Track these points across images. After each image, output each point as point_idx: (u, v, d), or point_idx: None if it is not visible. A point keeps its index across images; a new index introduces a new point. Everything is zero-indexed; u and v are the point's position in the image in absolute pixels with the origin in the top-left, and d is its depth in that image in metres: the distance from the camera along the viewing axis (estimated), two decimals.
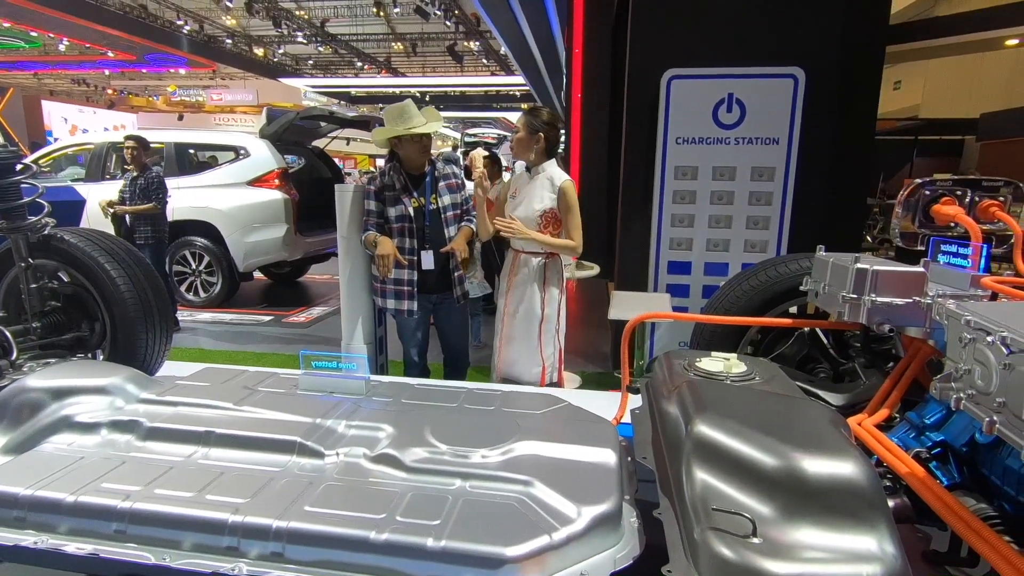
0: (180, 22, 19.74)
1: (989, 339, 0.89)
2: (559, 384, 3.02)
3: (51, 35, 19.28)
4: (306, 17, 20.86)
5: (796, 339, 2.03)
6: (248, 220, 6.08)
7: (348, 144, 6.93)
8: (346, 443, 1.38)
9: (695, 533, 0.98)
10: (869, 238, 10.68)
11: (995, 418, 0.89)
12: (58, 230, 2.46)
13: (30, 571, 1.62)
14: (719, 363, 1.56)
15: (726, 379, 1.49)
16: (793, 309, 2.23)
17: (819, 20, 4.08)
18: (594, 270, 4.54)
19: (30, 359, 2.28)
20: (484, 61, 24.10)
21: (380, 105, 29.78)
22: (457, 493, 1.23)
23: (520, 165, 3.04)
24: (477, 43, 20.93)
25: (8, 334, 2.14)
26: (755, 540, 0.92)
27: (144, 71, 25.14)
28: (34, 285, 2.40)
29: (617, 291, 4.33)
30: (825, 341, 1.99)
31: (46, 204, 2.39)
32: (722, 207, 4.27)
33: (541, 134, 2.77)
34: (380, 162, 23.73)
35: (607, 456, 1.34)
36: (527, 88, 20.83)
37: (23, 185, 2.32)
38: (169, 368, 2.76)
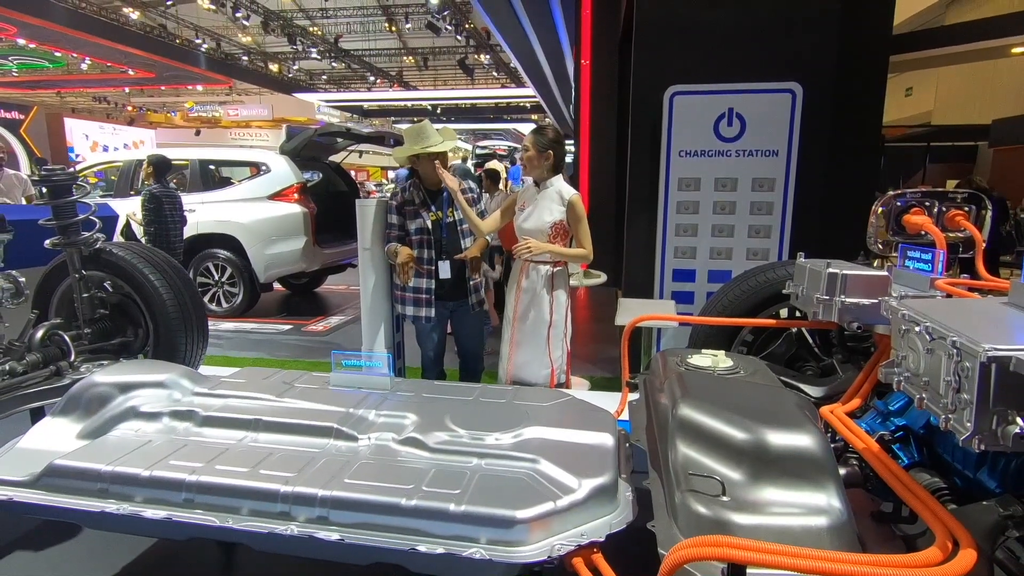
0: (198, 40, 20.30)
1: (917, 329, 1.06)
2: (567, 386, 3.20)
3: (74, 55, 19.91)
4: (320, 34, 21.36)
5: (784, 339, 2.21)
6: (268, 233, 6.34)
7: (360, 157, 7.22)
8: (376, 429, 1.58)
9: (676, 496, 1.17)
10: (880, 244, 10.73)
11: (923, 395, 1.06)
12: (107, 244, 2.70)
13: (106, 541, 1.83)
14: (708, 359, 1.74)
15: (713, 372, 1.67)
16: (784, 312, 2.41)
17: (815, 37, 4.26)
18: (601, 278, 4.72)
19: (83, 362, 2.51)
20: (494, 74, 24.46)
21: (392, 118, 30.25)
22: (474, 469, 1.42)
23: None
24: (487, 56, 21.29)
25: (67, 338, 2.37)
26: (724, 499, 1.10)
27: (162, 88, 25.80)
28: (85, 295, 2.63)
29: (623, 298, 4.51)
30: (811, 340, 2.16)
31: (97, 221, 2.63)
32: (724, 217, 4.44)
33: (550, 151, 2.98)
34: (391, 173, 23.85)
35: (605, 439, 1.53)
36: (537, 99, 21.13)
37: (78, 203, 2.56)
38: (202, 372, 2.98)
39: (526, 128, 32.83)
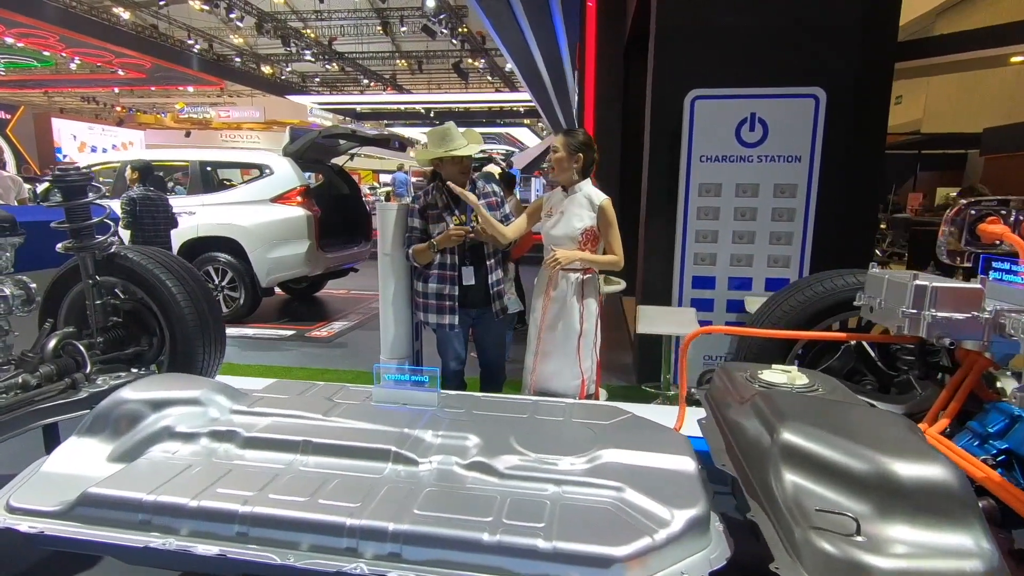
0: (190, 41, 20.03)
1: None
2: (596, 397, 3.09)
3: (63, 54, 19.58)
4: (313, 36, 21.17)
5: (843, 352, 2.11)
6: (271, 236, 6.18)
7: (352, 159, 7.04)
8: (437, 451, 1.46)
9: (796, 533, 1.06)
10: (878, 252, 10.74)
11: None
12: (121, 248, 2.55)
13: (128, 572, 1.69)
14: (782, 375, 1.64)
15: (791, 390, 1.56)
16: (835, 325, 2.31)
17: (839, 42, 4.21)
18: (621, 285, 4.62)
19: (97, 373, 2.36)
20: (489, 78, 24.40)
21: (385, 121, 30.07)
22: (553, 498, 1.30)
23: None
24: (482, 60, 21.22)
25: (83, 348, 2.22)
26: (858, 538, 1.00)
27: (152, 88, 25.47)
28: (98, 302, 2.48)
29: (643, 306, 4.41)
30: (872, 354, 2.07)
31: (112, 224, 2.49)
32: (745, 223, 4.37)
33: (580, 154, 2.88)
34: (384, 177, 23.59)
35: (687, 463, 1.42)
36: (532, 104, 21.08)
37: (93, 205, 2.41)
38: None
39: (519, 133, 32.79)
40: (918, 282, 1.54)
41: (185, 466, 1.39)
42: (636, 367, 4.92)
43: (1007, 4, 15.94)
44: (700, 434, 1.74)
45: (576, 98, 11.10)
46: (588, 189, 2.92)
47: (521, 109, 26.62)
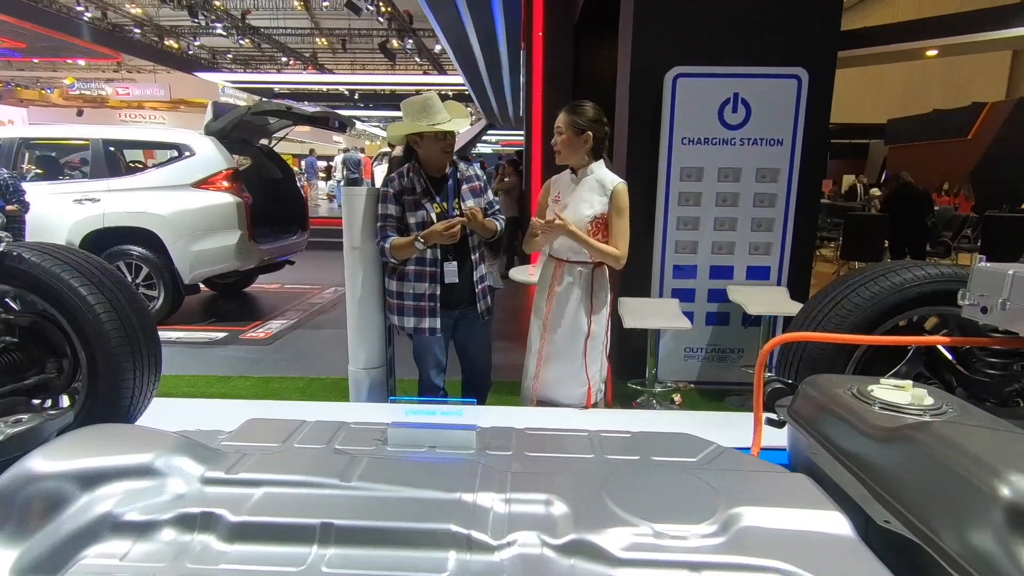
0: (80, 8, 17.94)
1: None
2: (606, 405, 2.75)
3: None
4: (223, 8, 19.54)
5: (912, 356, 1.87)
6: (194, 226, 5.43)
7: (273, 144, 6.25)
8: (511, 526, 1.05)
9: None
10: None
11: None
12: (14, 247, 1.94)
13: None
14: (901, 393, 1.34)
15: (924, 414, 1.27)
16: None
17: (821, 21, 4.05)
18: None
19: None
20: (416, 59, 23.51)
21: (305, 102, 28.50)
22: None
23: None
24: (410, 40, 20.35)
25: None
26: None
27: (36, 61, 22.77)
28: None
29: (624, 298, 4.12)
30: (951, 358, 1.84)
31: (0, 215, 1.87)
32: (727, 209, 4.16)
33: (589, 132, 2.50)
34: (303, 162, 22.19)
35: (839, 523, 1.09)
36: (463, 88, 20.49)
37: None
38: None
39: None
40: None
41: None
42: (619, 362, 4.64)
43: (904, 4, 16.97)
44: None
45: (522, 79, 10.69)
46: (601, 172, 2.54)
47: (450, 93, 25.85)
